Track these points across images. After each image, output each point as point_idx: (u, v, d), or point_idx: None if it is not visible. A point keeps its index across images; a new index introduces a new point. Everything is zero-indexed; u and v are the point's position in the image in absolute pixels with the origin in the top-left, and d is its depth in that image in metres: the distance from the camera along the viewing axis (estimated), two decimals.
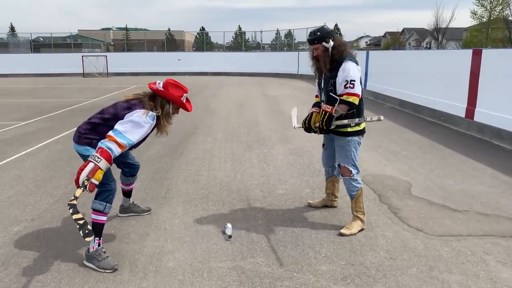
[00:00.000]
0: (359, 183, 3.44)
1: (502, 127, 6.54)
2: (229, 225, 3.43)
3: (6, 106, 11.64)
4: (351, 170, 3.40)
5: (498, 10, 40.02)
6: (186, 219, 3.69)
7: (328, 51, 3.28)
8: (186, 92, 3.10)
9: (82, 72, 25.27)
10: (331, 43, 3.26)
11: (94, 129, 2.93)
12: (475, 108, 7.39)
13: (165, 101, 3.00)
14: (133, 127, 2.80)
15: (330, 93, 3.33)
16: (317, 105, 3.69)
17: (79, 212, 2.63)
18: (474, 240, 3.25)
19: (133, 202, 3.79)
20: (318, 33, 3.28)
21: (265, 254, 3.05)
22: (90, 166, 2.63)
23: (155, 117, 2.92)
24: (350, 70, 3.21)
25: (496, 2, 40.05)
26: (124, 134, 2.76)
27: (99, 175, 2.65)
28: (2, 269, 2.86)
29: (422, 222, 3.58)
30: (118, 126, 2.77)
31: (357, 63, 3.30)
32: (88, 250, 2.93)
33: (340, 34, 63.18)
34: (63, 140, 7.04)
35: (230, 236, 3.29)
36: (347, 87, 3.20)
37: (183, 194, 4.32)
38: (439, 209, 3.88)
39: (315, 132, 3.64)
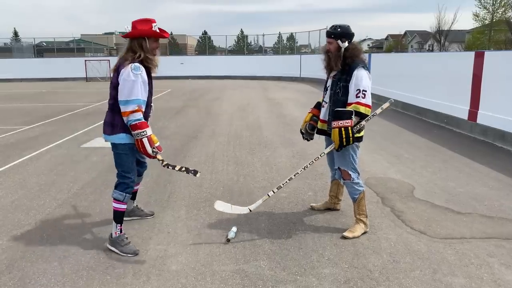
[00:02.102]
0: (361, 186, 3.43)
1: (505, 129, 6.52)
2: (234, 228, 3.43)
3: (10, 111, 11.71)
4: (350, 174, 3.38)
5: (500, 12, 39.99)
6: (189, 223, 3.69)
7: (340, 50, 3.25)
8: (154, 22, 3.09)
9: (85, 76, 25.39)
10: (346, 44, 3.23)
11: (115, 110, 3.05)
12: (478, 110, 7.37)
13: (140, 39, 3.04)
14: (128, 88, 2.93)
15: (337, 96, 3.31)
16: (318, 105, 3.67)
17: (175, 166, 3.13)
18: (478, 243, 3.23)
19: (136, 205, 3.81)
20: (338, 29, 3.25)
21: (268, 257, 3.05)
22: (145, 141, 2.95)
23: (139, 66, 2.98)
24: (363, 79, 3.18)
25: (498, 4, 40.04)
26: (127, 99, 2.92)
27: (154, 138, 3.02)
28: (6, 273, 2.88)
29: (425, 225, 3.57)
30: (119, 98, 2.94)
31: (369, 71, 3.28)
32: (111, 235, 3.17)
33: None
34: (66, 144, 7.07)
35: (228, 240, 3.29)
36: (358, 96, 3.17)
37: (186, 198, 4.33)
38: (442, 212, 3.87)
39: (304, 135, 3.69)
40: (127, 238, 3.18)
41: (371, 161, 5.68)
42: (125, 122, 2.97)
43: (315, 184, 4.73)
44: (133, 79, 2.93)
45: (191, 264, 2.98)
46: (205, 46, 34.34)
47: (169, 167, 3.09)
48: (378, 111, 3.34)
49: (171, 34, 41.50)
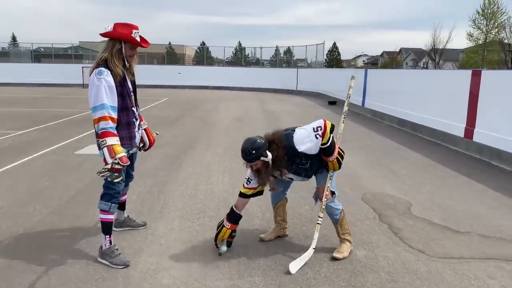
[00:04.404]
0: (339, 204, 3.34)
1: (501, 148, 6.52)
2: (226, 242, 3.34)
3: (4, 115, 11.57)
4: (333, 191, 3.28)
5: (493, 33, 40.71)
6: (182, 235, 3.60)
7: (269, 164, 3.12)
8: (136, 29, 3.01)
9: (82, 83, 25.30)
10: (269, 155, 3.08)
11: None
12: (474, 128, 7.39)
13: (116, 41, 2.96)
14: (94, 94, 2.87)
15: (311, 172, 3.24)
16: (236, 219, 3.32)
17: (104, 171, 2.85)
18: (477, 263, 3.17)
19: (128, 216, 3.71)
20: (253, 152, 3.09)
21: (263, 273, 2.96)
22: (105, 150, 2.83)
23: (103, 70, 2.88)
24: (301, 132, 3.08)
25: (492, 25, 40.77)
26: (94, 106, 2.87)
27: (117, 148, 2.85)
28: None
29: (423, 243, 3.51)
30: (90, 106, 2.90)
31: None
32: (101, 247, 3.07)
33: (338, 53, 63.98)
34: (60, 150, 6.96)
35: (220, 254, 3.20)
36: (318, 135, 2.99)
37: (179, 209, 4.24)
38: (440, 230, 3.81)
39: None
40: (117, 249, 3.09)
41: (368, 176, 5.63)
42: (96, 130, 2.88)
43: (311, 198, 4.65)
44: (97, 83, 2.85)
45: (183, 278, 2.88)
46: (203, 57, 34.47)
47: (101, 174, 2.86)
48: (351, 91, 3.42)
49: (169, 43, 41.73)
